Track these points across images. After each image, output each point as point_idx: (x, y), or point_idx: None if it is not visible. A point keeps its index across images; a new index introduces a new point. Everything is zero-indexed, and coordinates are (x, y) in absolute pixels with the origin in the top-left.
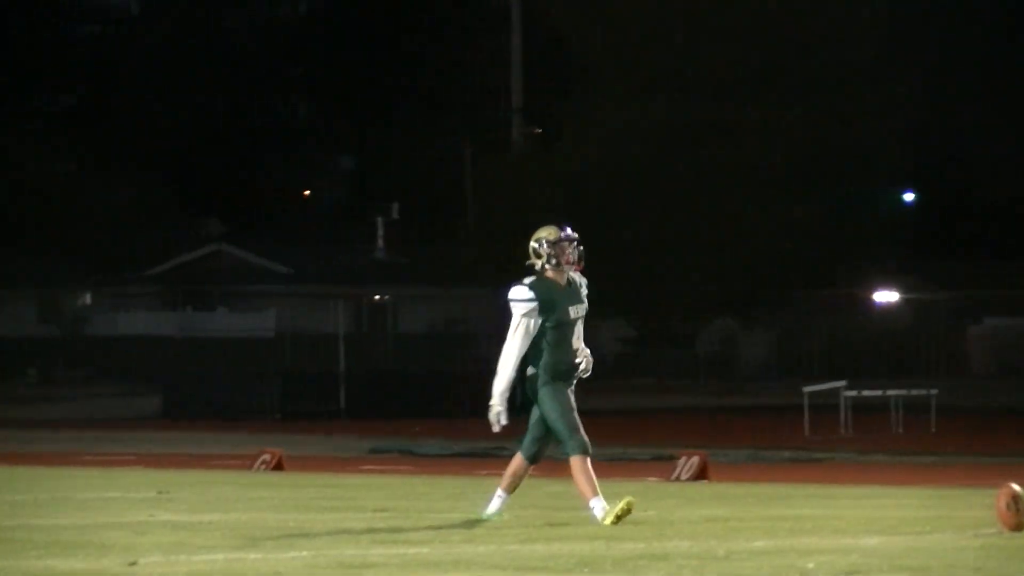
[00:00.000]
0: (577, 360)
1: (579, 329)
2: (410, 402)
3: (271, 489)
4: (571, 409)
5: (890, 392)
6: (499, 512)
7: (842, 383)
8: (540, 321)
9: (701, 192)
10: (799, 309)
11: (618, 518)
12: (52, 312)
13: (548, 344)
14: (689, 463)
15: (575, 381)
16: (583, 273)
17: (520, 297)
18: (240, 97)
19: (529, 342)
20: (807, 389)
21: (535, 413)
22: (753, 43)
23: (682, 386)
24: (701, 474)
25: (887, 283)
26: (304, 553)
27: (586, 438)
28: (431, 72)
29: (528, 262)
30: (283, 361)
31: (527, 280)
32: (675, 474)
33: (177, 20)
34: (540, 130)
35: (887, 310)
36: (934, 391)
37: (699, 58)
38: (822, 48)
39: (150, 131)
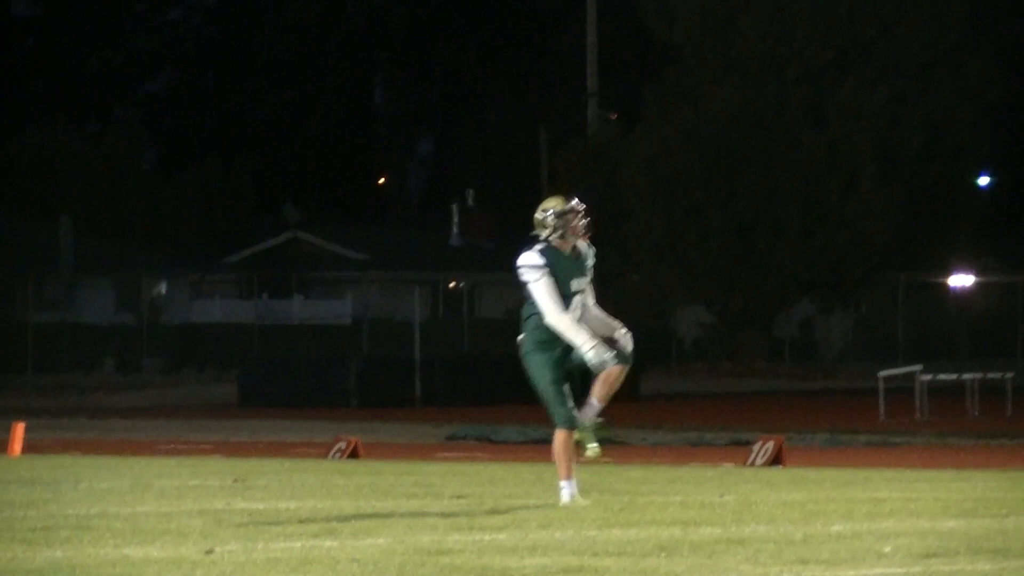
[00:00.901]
0: (616, 336)
1: (581, 300)
2: (487, 388)
3: (348, 476)
4: (559, 377)
5: (965, 375)
6: (574, 496)
7: (918, 367)
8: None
9: (785, 175)
10: (876, 293)
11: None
12: (130, 300)
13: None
14: (764, 448)
15: (588, 352)
16: (592, 241)
17: (532, 263)
18: (317, 84)
19: (559, 296)
20: (882, 374)
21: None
22: (838, 26)
23: (759, 370)
24: (776, 459)
25: (964, 267)
26: (381, 540)
27: (575, 412)
28: (508, 58)
29: (533, 232)
30: (359, 348)
31: (537, 247)
32: (751, 459)
33: (253, 8)
34: (616, 115)
35: (963, 293)
36: (1010, 374)
37: (785, 40)
38: (904, 30)
39: (229, 119)
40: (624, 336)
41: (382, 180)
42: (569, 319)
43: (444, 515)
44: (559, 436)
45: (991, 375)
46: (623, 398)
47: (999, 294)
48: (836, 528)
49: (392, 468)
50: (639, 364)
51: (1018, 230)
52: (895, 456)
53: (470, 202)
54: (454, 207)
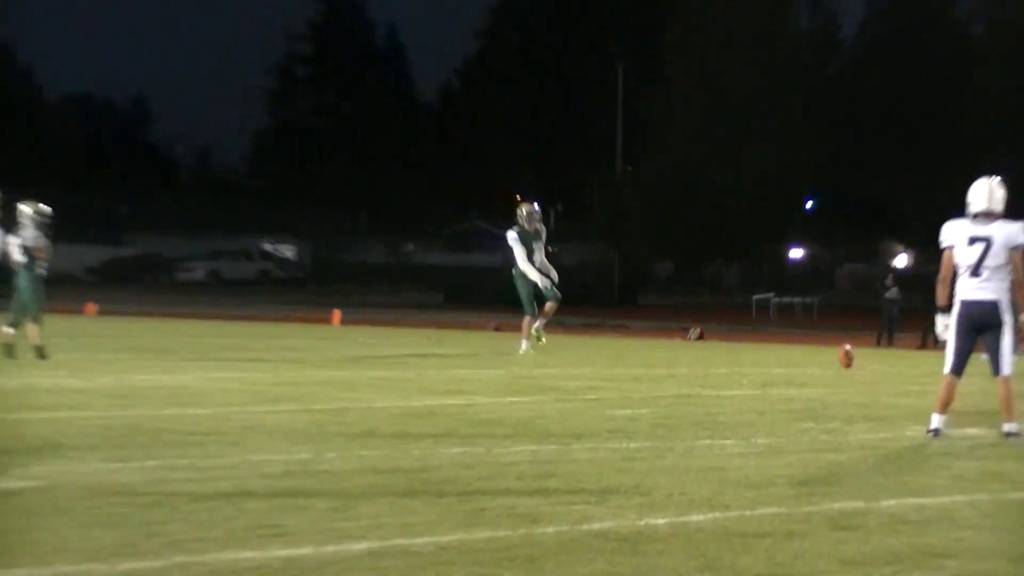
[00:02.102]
0: (547, 274)
1: (540, 254)
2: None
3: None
4: (531, 292)
5: (795, 299)
6: (528, 348)
7: (771, 294)
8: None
9: (711, 199)
10: (757, 256)
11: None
12: (392, 249)
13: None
14: (695, 331)
15: (540, 282)
16: (545, 224)
17: (512, 237)
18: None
19: (526, 255)
20: (755, 297)
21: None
22: (737, 109)
23: (696, 292)
24: (701, 337)
25: (800, 244)
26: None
27: (535, 308)
28: (577, 125)
29: (517, 219)
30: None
31: (515, 228)
32: (688, 336)
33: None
34: (631, 168)
35: (799, 259)
36: (816, 298)
37: (710, 121)
38: (773, 119)
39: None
40: (551, 282)
41: (518, 197)
42: (530, 266)
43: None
44: (527, 320)
45: (807, 299)
46: (628, 304)
47: (816, 260)
48: (722, 370)
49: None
50: (636, 286)
51: (832, 226)
52: (758, 337)
53: (560, 209)
54: (551, 212)
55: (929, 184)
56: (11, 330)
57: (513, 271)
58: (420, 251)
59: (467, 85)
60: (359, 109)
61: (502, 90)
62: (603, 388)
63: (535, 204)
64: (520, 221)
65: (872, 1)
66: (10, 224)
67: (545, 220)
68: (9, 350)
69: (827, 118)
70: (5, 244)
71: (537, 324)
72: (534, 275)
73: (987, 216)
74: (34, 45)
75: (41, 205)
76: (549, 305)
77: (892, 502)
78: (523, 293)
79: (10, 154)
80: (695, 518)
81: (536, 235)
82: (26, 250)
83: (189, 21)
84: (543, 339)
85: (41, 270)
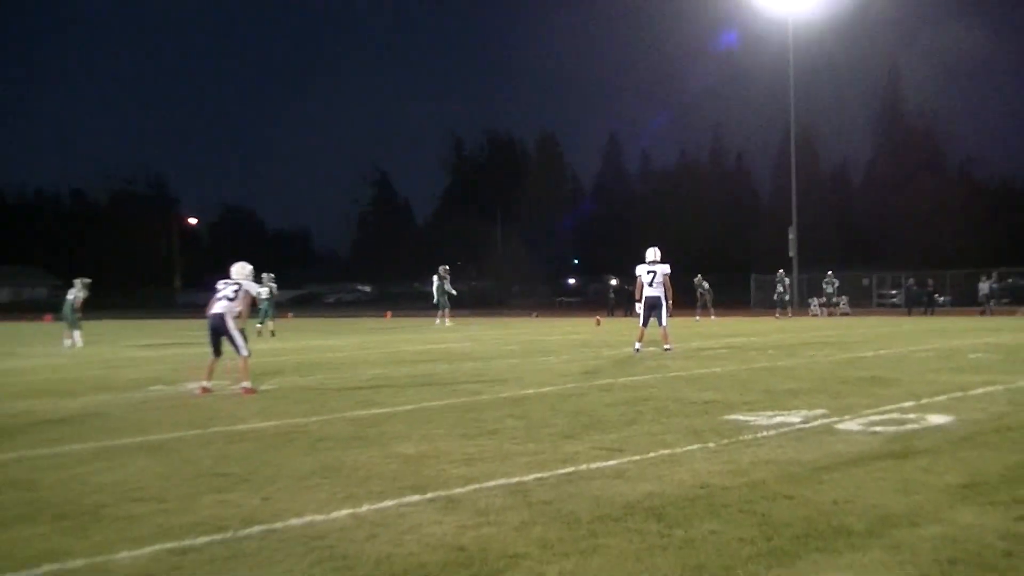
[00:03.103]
0: (450, 293)
1: (448, 285)
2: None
3: None
4: (445, 299)
5: (573, 299)
6: (451, 324)
7: (562, 298)
8: (440, 284)
9: (539, 263)
10: (557, 283)
11: None
12: (409, 285)
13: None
14: (535, 314)
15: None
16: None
17: (436, 279)
18: None
19: (440, 287)
20: (557, 299)
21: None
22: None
23: (535, 297)
24: (537, 316)
25: (573, 277)
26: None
27: (446, 307)
28: (485, 233)
29: (439, 272)
30: None
31: (438, 275)
32: (532, 316)
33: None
34: (510, 249)
35: (573, 283)
36: (582, 299)
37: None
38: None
39: None
40: (447, 300)
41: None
42: (436, 292)
43: None
44: (448, 311)
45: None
46: (503, 304)
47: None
48: (544, 329)
49: None
50: (506, 296)
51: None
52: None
53: (476, 266)
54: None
55: (627, 252)
56: (260, 326)
57: (436, 291)
58: (424, 285)
59: (438, 218)
60: (392, 228)
61: (451, 222)
62: (498, 339)
63: (447, 266)
64: (440, 272)
65: None
66: (259, 281)
67: (468, 271)
68: (259, 333)
69: (582, 230)
70: (258, 291)
71: (440, 315)
72: (436, 295)
73: (652, 262)
74: (261, 203)
75: (272, 274)
76: (446, 311)
77: (624, 379)
78: (441, 299)
79: (251, 257)
80: (543, 390)
81: (447, 279)
82: (270, 292)
83: (328, 190)
84: (447, 323)
85: (273, 299)
